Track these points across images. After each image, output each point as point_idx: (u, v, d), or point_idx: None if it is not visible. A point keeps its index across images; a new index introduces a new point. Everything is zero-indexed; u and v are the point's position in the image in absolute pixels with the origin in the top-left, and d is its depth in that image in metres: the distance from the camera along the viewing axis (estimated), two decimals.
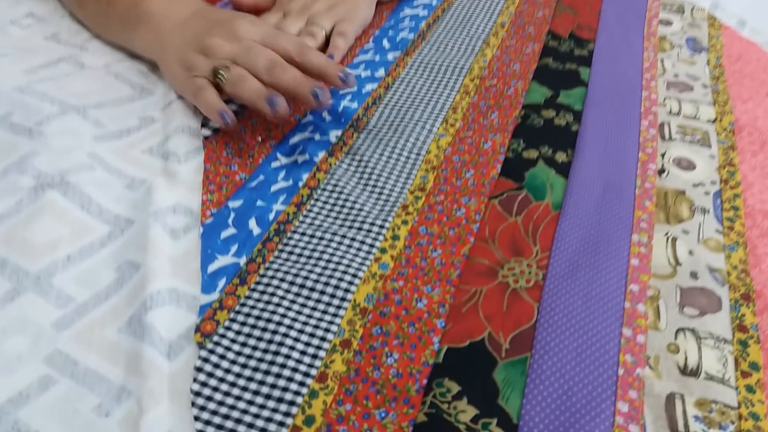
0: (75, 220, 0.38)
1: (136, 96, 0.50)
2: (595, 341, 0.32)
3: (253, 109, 0.47)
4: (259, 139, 0.46)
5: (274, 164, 0.44)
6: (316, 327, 0.32)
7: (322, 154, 0.45)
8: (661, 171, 0.44)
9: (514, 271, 0.36)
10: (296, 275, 0.35)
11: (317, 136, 0.47)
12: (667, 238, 0.39)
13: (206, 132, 0.46)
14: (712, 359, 0.31)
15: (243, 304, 0.34)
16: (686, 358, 0.31)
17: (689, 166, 0.45)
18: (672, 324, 0.33)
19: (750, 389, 0.30)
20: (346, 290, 0.34)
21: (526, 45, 0.59)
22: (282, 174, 0.43)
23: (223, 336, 0.32)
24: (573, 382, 0.30)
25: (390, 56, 0.58)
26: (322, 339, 0.32)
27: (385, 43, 0.60)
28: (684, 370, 0.31)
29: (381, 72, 0.55)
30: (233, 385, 0.30)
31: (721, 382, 0.30)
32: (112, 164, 0.43)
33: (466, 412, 0.28)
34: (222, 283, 0.35)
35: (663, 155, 0.46)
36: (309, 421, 0.28)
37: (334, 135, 0.47)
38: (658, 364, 0.31)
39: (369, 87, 0.53)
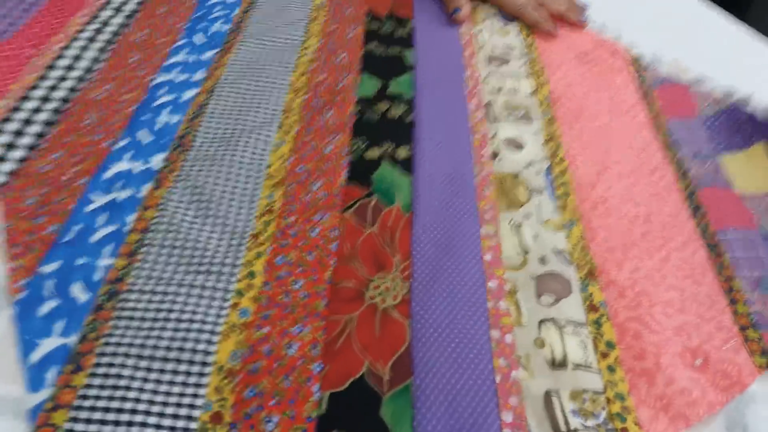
0: None
1: None
2: (468, 350, 0.32)
3: (56, 136, 0.40)
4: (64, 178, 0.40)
5: (90, 207, 0.39)
6: (178, 405, 0.29)
7: (147, 187, 0.40)
8: (495, 155, 0.45)
9: (379, 289, 0.35)
10: (142, 345, 0.31)
11: (138, 165, 0.41)
12: (512, 226, 0.40)
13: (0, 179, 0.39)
14: (575, 346, 0.33)
15: (83, 396, 0.29)
16: (552, 351, 0.33)
17: (519, 146, 0.46)
18: (533, 317, 0.34)
19: (611, 369, 0.32)
20: (206, 352, 0.31)
21: (348, 29, 0.57)
22: (102, 218, 0.38)
23: None
24: (457, 401, 0.30)
25: (206, 55, 0.53)
26: (189, 418, 0.28)
27: (198, 39, 0.54)
28: (553, 364, 0.32)
29: (199, 74, 0.50)
30: None
31: (587, 368, 0.32)
32: None
33: None
34: (52, 374, 0.30)
35: (494, 137, 0.47)
36: None
37: (157, 159, 0.42)
38: (530, 362, 0.32)
39: (189, 94, 0.48)
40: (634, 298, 0.35)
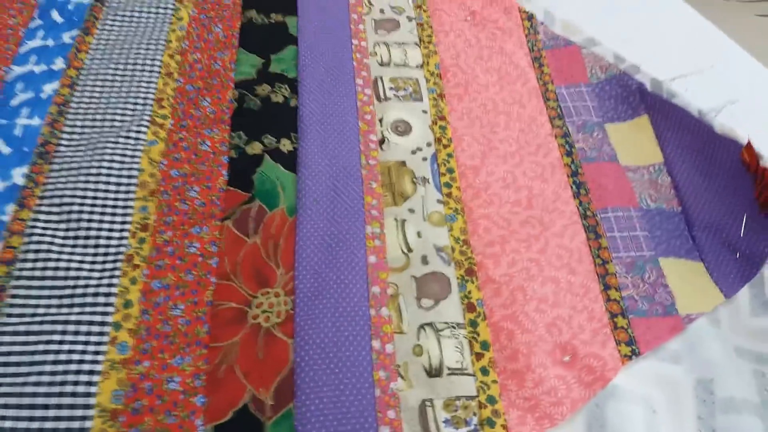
0: None
1: None
2: (349, 365, 0.33)
3: None
4: None
5: None
6: None
7: (10, 209, 0.37)
8: (382, 141, 0.45)
9: (263, 306, 0.35)
10: (21, 394, 0.30)
11: None
12: (397, 223, 0.40)
13: None
14: (450, 350, 0.35)
15: None
16: (429, 358, 0.34)
17: (406, 129, 0.46)
18: (413, 322, 0.36)
19: (484, 371, 0.34)
20: (87, 394, 0.31)
21: None
22: None
23: None
24: (338, 419, 0.31)
25: (66, 37, 0.48)
26: None
27: (56, 16, 0.49)
28: (430, 372, 0.34)
29: (60, 63, 0.46)
30: None
31: (461, 372, 0.34)
32: None
33: None
34: None
35: (381, 120, 0.46)
36: None
37: (18, 174, 0.39)
38: (408, 371, 0.34)
39: (49, 88, 0.45)
40: (509, 296, 0.37)
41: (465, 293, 0.37)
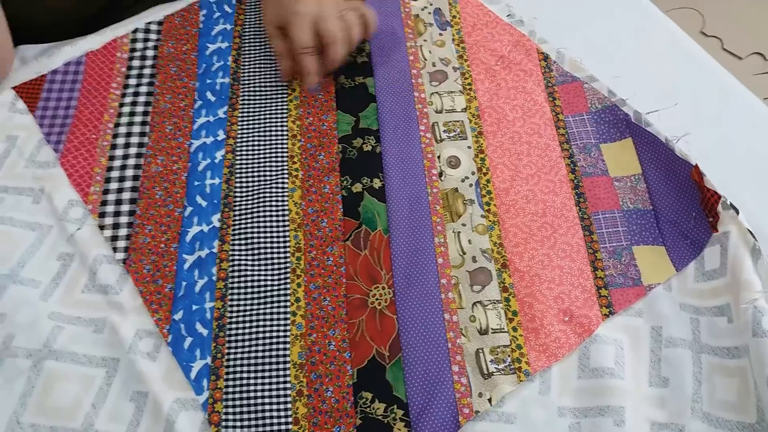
0: (77, 375, 0.54)
1: (41, 236, 0.61)
2: (431, 330, 0.56)
3: (142, 211, 0.61)
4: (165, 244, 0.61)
5: (186, 266, 0.60)
6: (277, 389, 0.53)
7: (216, 244, 0.61)
8: (440, 174, 0.66)
9: (376, 296, 0.58)
10: (248, 356, 0.55)
11: (205, 227, 0.62)
12: (455, 234, 0.62)
13: (120, 255, 0.60)
14: (493, 317, 0.57)
15: (225, 393, 0.54)
16: (479, 323, 0.57)
17: (456, 163, 0.67)
18: (469, 301, 0.58)
19: (515, 329, 0.56)
20: (284, 356, 0.55)
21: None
22: (196, 273, 0.60)
23: (226, 420, 0.52)
24: (427, 364, 0.55)
25: (221, 112, 0.70)
26: (285, 396, 0.53)
27: (210, 97, 0.72)
28: (480, 331, 0.56)
29: (221, 134, 0.69)
30: None
31: (500, 331, 0.56)
32: (70, 315, 0.57)
33: (379, 408, 0.52)
34: (205, 383, 0.54)
35: (439, 157, 0.67)
36: None
37: (216, 220, 0.63)
38: (467, 332, 0.56)
39: (219, 155, 0.68)
40: (529, 280, 0.59)
41: (501, 280, 0.59)
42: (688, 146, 0.62)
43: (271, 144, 0.67)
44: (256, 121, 0.69)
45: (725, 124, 0.67)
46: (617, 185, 0.63)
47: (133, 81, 0.72)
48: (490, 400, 0.52)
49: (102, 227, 0.62)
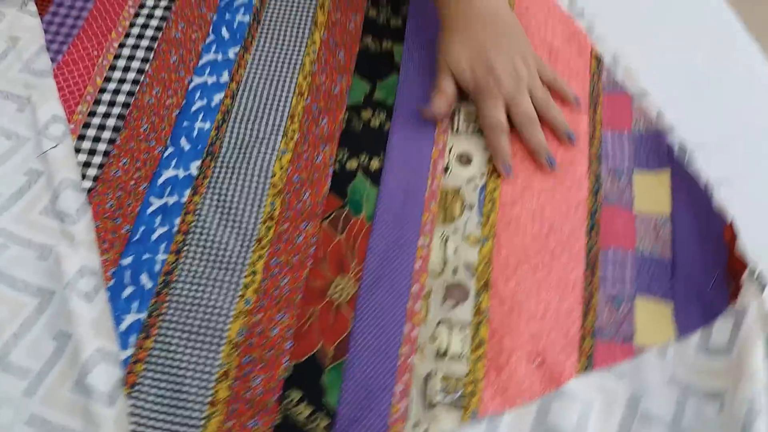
0: (8, 299, 0.51)
1: (16, 147, 0.58)
2: (385, 339, 0.51)
3: (122, 142, 0.57)
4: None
5: (150, 210, 0.56)
6: (204, 365, 0.49)
7: (187, 193, 0.57)
8: (446, 168, 0.59)
9: (338, 288, 0.53)
10: (185, 323, 0.51)
11: (181, 172, 0.58)
12: (442, 238, 0.55)
13: (87, 184, 0.57)
14: (457, 342, 0.51)
15: (150, 354, 0.50)
16: (440, 345, 0.51)
17: (467, 161, 0.59)
18: (435, 317, 0.52)
19: (477, 360, 0.50)
20: (222, 330, 0.51)
21: (349, 18, 0.67)
22: (158, 220, 0.56)
23: (141, 384, 0.49)
24: (371, 375, 0.49)
25: (231, 53, 0.65)
26: (209, 374, 0.49)
27: (225, 33, 0.67)
28: (438, 354, 0.50)
29: (225, 76, 0.64)
30: (155, 419, 0.47)
31: (460, 359, 0.50)
32: (20, 235, 0.54)
33: (304, 412, 0.48)
34: (133, 339, 0.50)
35: (450, 150, 0.60)
36: None
37: (194, 167, 0.58)
38: (423, 350, 0.51)
39: (217, 98, 0.63)
40: (509, 308, 0.52)
41: (477, 301, 0.52)
42: (729, 194, 0.53)
43: (273, 97, 0.62)
44: (265, 70, 0.63)
45: None
46: (639, 222, 0.55)
47: (150, 2, 0.67)
48: None
49: (78, 150, 0.58)
